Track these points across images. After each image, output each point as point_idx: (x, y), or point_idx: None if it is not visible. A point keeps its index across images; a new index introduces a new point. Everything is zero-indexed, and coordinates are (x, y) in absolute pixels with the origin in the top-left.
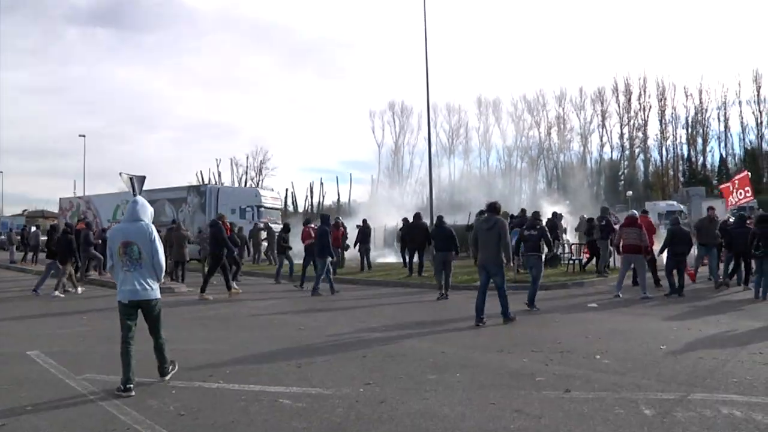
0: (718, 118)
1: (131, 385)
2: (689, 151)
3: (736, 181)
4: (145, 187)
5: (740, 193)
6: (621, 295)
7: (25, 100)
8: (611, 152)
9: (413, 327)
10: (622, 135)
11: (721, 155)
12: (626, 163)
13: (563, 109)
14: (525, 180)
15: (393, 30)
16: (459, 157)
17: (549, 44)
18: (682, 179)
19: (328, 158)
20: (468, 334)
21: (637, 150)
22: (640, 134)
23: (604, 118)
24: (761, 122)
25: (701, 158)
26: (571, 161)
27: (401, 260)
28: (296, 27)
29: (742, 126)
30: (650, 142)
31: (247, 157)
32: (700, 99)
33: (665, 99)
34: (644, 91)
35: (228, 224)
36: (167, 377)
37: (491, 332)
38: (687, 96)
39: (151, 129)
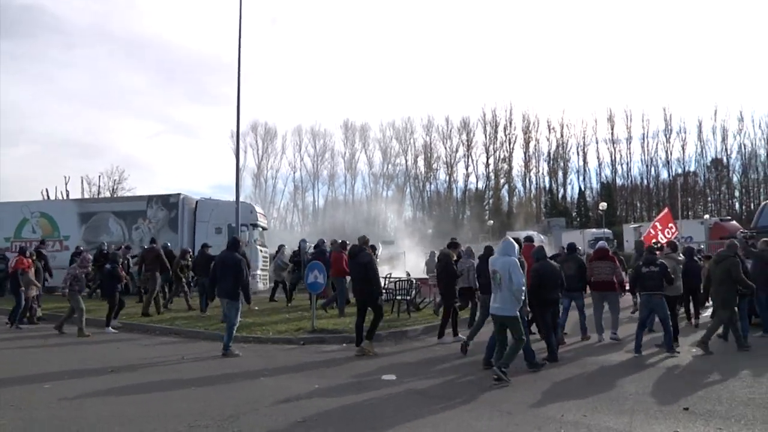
0: (578, 153)
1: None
2: (551, 183)
3: (657, 224)
4: (82, 197)
5: (667, 232)
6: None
7: None
8: (476, 182)
9: None
10: (487, 165)
11: (580, 188)
12: (491, 193)
13: (430, 137)
14: (390, 208)
15: (259, 50)
16: (323, 183)
17: (419, 71)
18: (544, 210)
19: (195, 182)
20: None
21: (501, 180)
22: (505, 165)
23: (470, 148)
24: (615, 159)
25: (562, 190)
26: (437, 190)
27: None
28: (169, 46)
29: (599, 161)
30: (514, 173)
31: (100, 177)
32: (562, 134)
33: (530, 132)
34: (510, 123)
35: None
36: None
37: None
38: (550, 130)
39: (9, 143)
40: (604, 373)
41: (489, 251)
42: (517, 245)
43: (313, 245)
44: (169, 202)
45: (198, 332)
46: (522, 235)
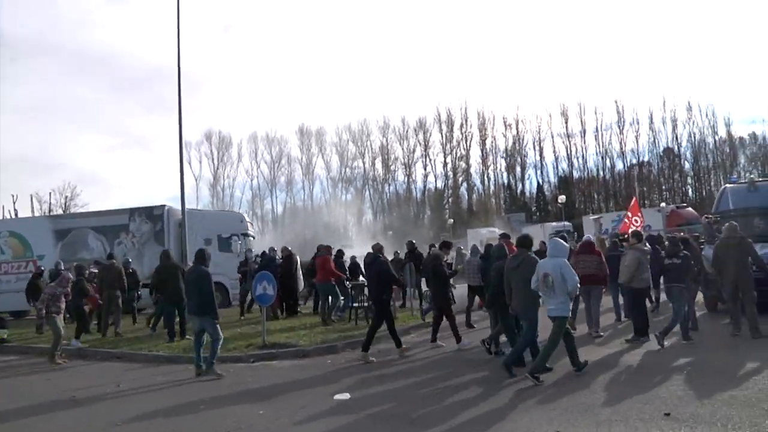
0: (534, 148)
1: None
2: (509, 179)
3: (629, 213)
4: (53, 213)
5: (636, 221)
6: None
7: None
8: (435, 181)
9: None
10: (445, 164)
11: (538, 183)
12: (450, 191)
13: (387, 139)
14: (350, 212)
15: (212, 58)
16: (281, 190)
17: (373, 72)
18: (504, 206)
19: (152, 194)
20: None
21: (460, 179)
22: (463, 163)
23: (427, 148)
24: (571, 152)
25: (520, 186)
26: (396, 191)
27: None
28: (120, 58)
29: (555, 155)
30: (473, 170)
31: (51, 194)
32: (518, 129)
33: (486, 129)
34: (466, 121)
35: None
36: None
37: None
38: (506, 126)
39: None
40: (576, 375)
41: (489, 250)
42: (567, 245)
43: (258, 255)
44: (153, 215)
45: (142, 355)
46: (483, 232)
